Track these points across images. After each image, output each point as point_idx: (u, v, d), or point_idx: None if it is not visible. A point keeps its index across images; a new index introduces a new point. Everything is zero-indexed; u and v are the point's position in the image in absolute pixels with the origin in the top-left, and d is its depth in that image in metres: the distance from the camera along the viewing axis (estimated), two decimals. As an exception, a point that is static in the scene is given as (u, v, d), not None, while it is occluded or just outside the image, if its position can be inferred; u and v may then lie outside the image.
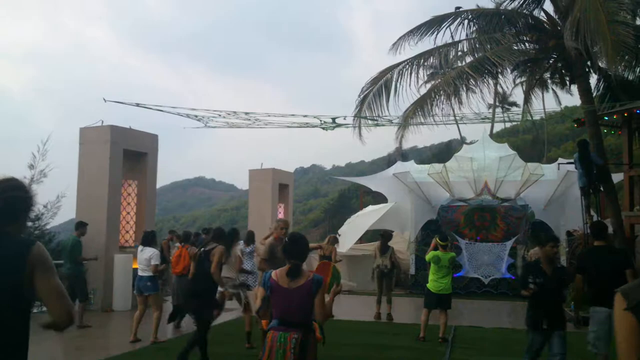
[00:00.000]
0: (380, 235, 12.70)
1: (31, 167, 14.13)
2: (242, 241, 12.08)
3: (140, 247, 9.80)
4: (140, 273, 9.55)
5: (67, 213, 16.10)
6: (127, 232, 14.25)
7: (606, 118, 13.50)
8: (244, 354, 8.58)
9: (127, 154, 13.96)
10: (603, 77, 13.32)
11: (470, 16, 13.10)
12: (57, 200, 14.64)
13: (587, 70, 12.50)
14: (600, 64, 12.46)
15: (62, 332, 2.53)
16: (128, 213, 14.34)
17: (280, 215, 20.43)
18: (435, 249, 9.78)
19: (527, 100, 14.73)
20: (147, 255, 9.47)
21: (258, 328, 10.30)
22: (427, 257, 9.87)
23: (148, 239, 9.84)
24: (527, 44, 13.31)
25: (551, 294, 5.98)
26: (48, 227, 14.93)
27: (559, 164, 16.66)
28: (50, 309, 2.47)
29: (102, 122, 13.58)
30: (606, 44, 9.91)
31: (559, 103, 38.63)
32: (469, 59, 12.91)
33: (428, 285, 9.77)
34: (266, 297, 4.40)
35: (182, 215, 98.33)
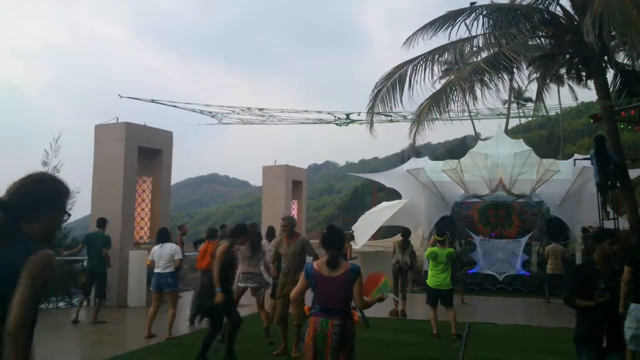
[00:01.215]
0: (401, 235, 12.73)
1: (44, 163, 14.22)
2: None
3: (158, 245, 9.76)
4: (160, 270, 9.46)
5: (82, 209, 16.22)
6: (142, 228, 14.31)
7: (623, 114, 13.36)
8: (261, 350, 8.60)
9: (142, 151, 14.01)
10: (620, 73, 13.18)
11: (485, 11, 13.01)
12: (72, 196, 14.72)
13: (604, 65, 12.36)
14: (617, 58, 12.33)
15: (9, 336, 2.24)
16: (143, 209, 14.40)
17: (294, 212, 20.45)
18: (435, 244, 9.78)
19: (539, 96, 14.63)
20: (171, 251, 9.45)
21: (274, 324, 10.36)
22: (426, 253, 9.87)
23: (164, 236, 9.83)
24: (542, 39, 13.19)
25: (613, 300, 4.77)
26: (63, 223, 15.01)
27: (574, 159, 16.51)
28: (11, 311, 2.23)
29: (117, 119, 13.65)
30: (638, 33, 9.78)
31: (576, 98, 38.35)
32: (484, 55, 12.83)
33: (427, 280, 9.80)
34: (307, 286, 4.72)
35: (196, 212, 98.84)
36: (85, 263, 11.90)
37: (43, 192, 2.48)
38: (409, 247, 12.44)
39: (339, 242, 4.76)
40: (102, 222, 11.70)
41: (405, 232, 12.73)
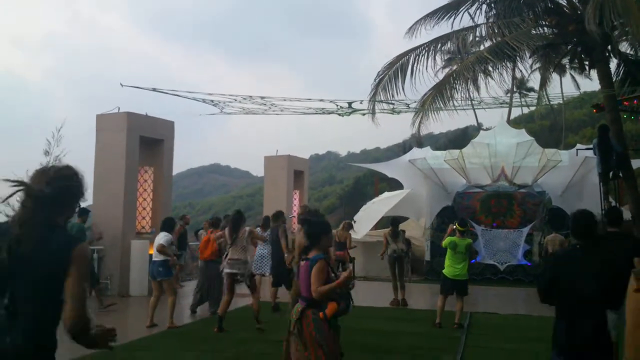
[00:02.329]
0: (390, 224, 12.83)
1: (46, 153, 14.20)
2: (259, 226, 12.14)
3: (157, 234, 9.88)
4: (153, 258, 9.62)
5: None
6: (144, 218, 14.31)
7: (626, 103, 13.31)
8: (259, 339, 8.62)
9: (144, 141, 13.99)
10: (623, 62, 13.11)
11: (488, 0, 12.93)
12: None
13: (607, 54, 12.30)
14: (620, 48, 12.25)
15: (73, 338, 2.45)
16: (145, 199, 14.40)
17: (296, 202, 20.46)
18: (453, 234, 9.75)
19: (543, 85, 14.56)
20: (159, 239, 9.53)
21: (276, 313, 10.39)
22: (444, 243, 9.83)
23: (166, 225, 9.89)
24: (546, 29, 13.12)
25: None
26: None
27: (577, 149, 16.47)
28: (67, 308, 2.44)
29: (119, 108, 13.62)
30: (637, 23, 9.73)
31: (578, 88, 38.21)
32: (487, 44, 12.76)
33: (444, 270, 9.77)
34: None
35: (198, 202, 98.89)
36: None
37: (76, 189, 2.69)
38: (400, 234, 12.55)
39: (312, 232, 4.78)
40: (82, 212, 11.60)
41: (394, 221, 12.89)
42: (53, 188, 2.54)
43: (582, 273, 4.12)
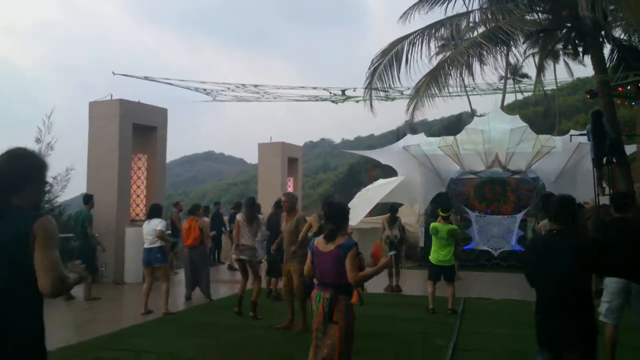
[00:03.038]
0: (389, 210, 12.86)
1: (38, 140, 14.19)
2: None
3: (147, 222, 9.84)
4: (147, 245, 9.55)
5: (77, 187, 16.20)
6: (138, 205, 14.29)
7: (620, 89, 13.33)
8: (256, 325, 8.64)
9: (137, 128, 13.93)
10: (617, 48, 13.11)
11: (481, -14, 12.89)
12: (67, 173, 14.70)
13: (600, 40, 12.29)
14: (614, 33, 12.25)
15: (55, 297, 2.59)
16: (138, 187, 14.36)
17: (290, 189, 20.44)
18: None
19: (539, 71, 14.54)
20: (154, 225, 9.49)
21: (268, 299, 10.42)
22: (429, 228, 9.93)
23: (154, 212, 9.86)
24: (539, 14, 13.09)
25: None
26: (59, 200, 15.03)
27: (570, 135, 16.50)
28: (38, 279, 2.46)
29: (111, 96, 13.55)
30: (630, 8, 9.72)
31: (571, 75, 38.25)
32: (480, 30, 12.74)
33: (430, 257, 9.84)
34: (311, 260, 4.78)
35: (192, 190, 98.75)
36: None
37: (22, 167, 2.65)
38: (397, 221, 12.58)
39: (336, 216, 4.73)
40: (86, 199, 11.63)
41: (392, 208, 12.95)
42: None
43: (558, 259, 3.95)
